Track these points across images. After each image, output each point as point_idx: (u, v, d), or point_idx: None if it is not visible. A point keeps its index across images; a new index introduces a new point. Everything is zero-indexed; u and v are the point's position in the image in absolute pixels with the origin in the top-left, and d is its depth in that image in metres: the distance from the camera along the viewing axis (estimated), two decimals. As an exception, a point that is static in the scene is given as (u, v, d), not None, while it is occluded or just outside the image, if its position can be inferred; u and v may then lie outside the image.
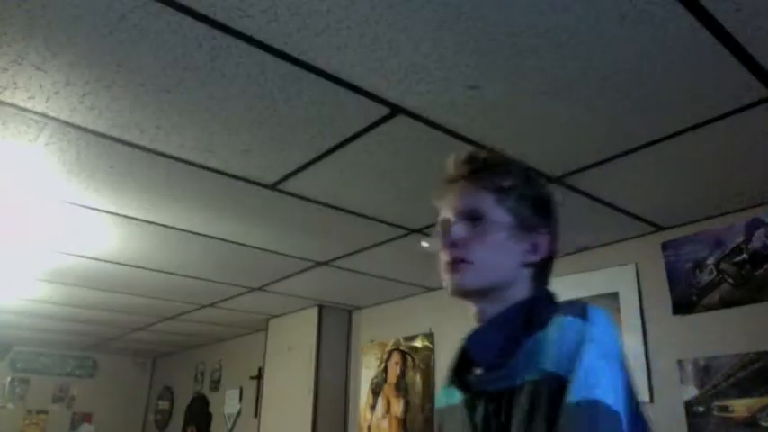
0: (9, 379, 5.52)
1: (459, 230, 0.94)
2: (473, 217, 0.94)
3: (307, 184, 2.03)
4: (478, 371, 0.94)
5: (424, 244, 1.01)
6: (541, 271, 0.97)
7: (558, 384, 0.77)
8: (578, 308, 0.84)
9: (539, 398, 0.79)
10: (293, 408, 3.77)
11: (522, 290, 0.94)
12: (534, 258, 0.95)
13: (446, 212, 0.99)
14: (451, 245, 0.94)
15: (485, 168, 0.98)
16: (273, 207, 2.24)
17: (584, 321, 0.81)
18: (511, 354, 0.86)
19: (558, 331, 0.82)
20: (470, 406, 0.94)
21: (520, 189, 0.96)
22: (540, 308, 0.91)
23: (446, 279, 0.95)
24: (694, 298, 2.21)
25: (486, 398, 0.89)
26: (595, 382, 0.75)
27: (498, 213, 0.94)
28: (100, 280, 3.27)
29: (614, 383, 0.76)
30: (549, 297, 0.96)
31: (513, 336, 0.88)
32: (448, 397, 1.06)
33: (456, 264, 0.93)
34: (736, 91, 1.46)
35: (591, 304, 0.85)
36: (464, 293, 0.95)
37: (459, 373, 0.99)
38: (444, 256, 0.95)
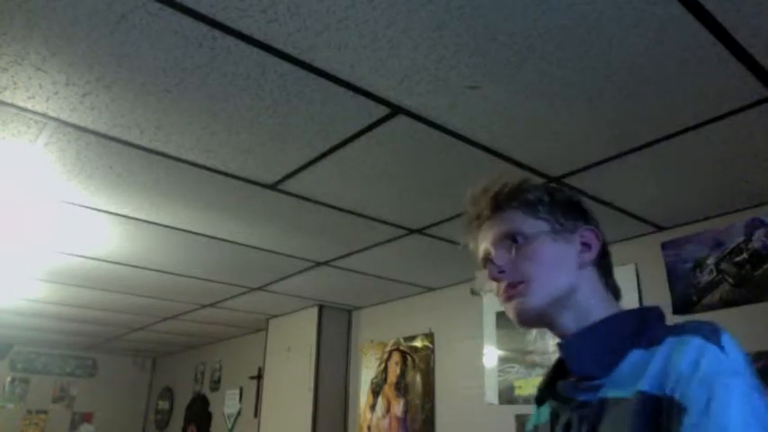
0: (9, 379, 5.52)
1: (502, 256, 0.92)
2: (510, 239, 0.92)
3: (307, 184, 2.03)
4: (572, 379, 0.88)
5: (478, 288, 1.01)
6: (603, 268, 0.94)
7: (673, 409, 0.70)
8: (709, 330, 0.75)
9: (639, 418, 0.73)
10: (293, 408, 3.77)
11: (591, 292, 0.90)
12: (590, 256, 0.92)
13: (483, 248, 0.97)
14: (500, 273, 0.91)
15: (504, 195, 0.96)
16: (273, 207, 2.24)
17: (720, 350, 0.72)
18: (611, 365, 0.81)
19: (681, 352, 0.74)
20: (555, 415, 0.90)
21: (546, 198, 0.94)
22: (653, 322, 0.85)
23: (509, 310, 0.91)
24: (694, 298, 2.21)
25: (573, 407, 0.84)
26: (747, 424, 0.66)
27: (532, 224, 0.92)
28: (100, 280, 3.27)
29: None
30: (660, 312, 0.88)
31: (616, 346, 0.82)
32: (537, 417, 1.00)
33: (511, 289, 0.90)
34: (736, 91, 1.46)
35: (722, 328, 0.76)
36: (531, 317, 0.89)
37: (552, 385, 0.92)
38: (498, 289, 0.92)
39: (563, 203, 0.95)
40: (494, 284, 0.94)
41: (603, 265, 0.94)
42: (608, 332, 0.85)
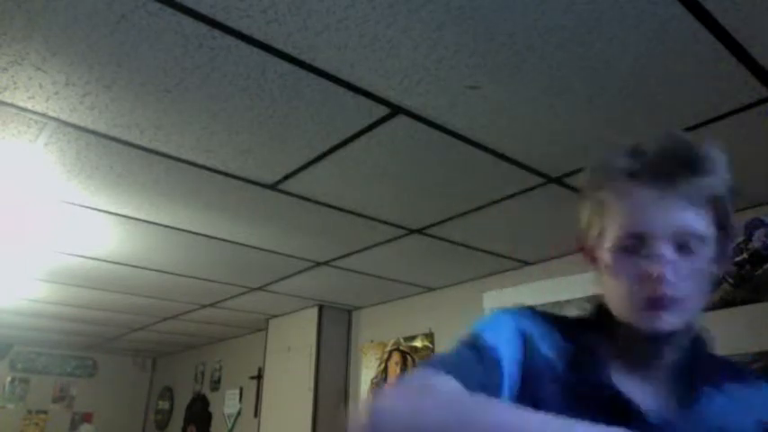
0: (9, 379, 5.52)
1: (681, 267, 0.72)
2: (687, 243, 0.73)
3: (307, 184, 2.03)
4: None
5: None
6: None
7: None
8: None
9: None
10: (293, 408, 3.77)
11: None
12: (723, 270, 0.85)
13: (644, 227, 0.74)
14: (665, 279, 0.72)
15: (693, 164, 0.74)
16: (273, 207, 2.24)
17: None
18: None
19: None
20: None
21: (730, 190, 0.76)
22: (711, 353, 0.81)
23: (640, 315, 0.74)
24: (694, 298, 2.21)
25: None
26: None
27: (710, 233, 0.74)
28: (100, 280, 3.27)
29: None
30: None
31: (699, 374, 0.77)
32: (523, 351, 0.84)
33: (666, 300, 0.72)
34: (736, 91, 1.46)
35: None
36: (664, 337, 0.76)
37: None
38: (645, 288, 0.73)
39: (733, 198, 0.77)
40: (625, 270, 0.75)
41: None
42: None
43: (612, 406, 0.73)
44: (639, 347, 0.78)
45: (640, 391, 0.76)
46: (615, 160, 0.78)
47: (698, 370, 0.78)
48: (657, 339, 0.76)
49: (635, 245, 0.74)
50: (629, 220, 0.75)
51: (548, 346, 0.80)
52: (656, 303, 0.73)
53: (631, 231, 0.75)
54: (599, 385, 0.76)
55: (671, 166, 0.74)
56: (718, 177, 0.74)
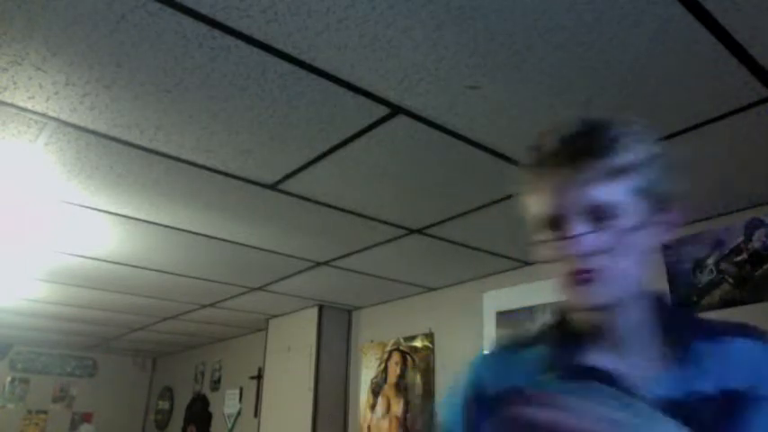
0: (9, 379, 5.52)
1: (590, 237, 0.75)
2: (606, 215, 0.75)
3: (307, 184, 2.03)
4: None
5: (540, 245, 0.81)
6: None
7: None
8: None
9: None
10: (293, 408, 3.77)
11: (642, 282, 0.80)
12: (668, 237, 0.80)
13: (557, 205, 0.78)
14: (581, 252, 0.75)
15: (594, 143, 0.77)
16: (273, 207, 2.24)
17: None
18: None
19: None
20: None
21: (649, 159, 0.78)
22: (687, 313, 0.84)
23: (570, 293, 0.78)
24: (694, 298, 2.21)
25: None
26: None
27: (632, 203, 0.76)
28: (100, 280, 3.27)
29: None
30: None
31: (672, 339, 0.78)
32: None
33: (587, 274, 0.75)
34: (736, 91, 1.46)
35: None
36: (599, 308, 0.78)
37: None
38: (567, 266, 0.77)
39: (665, 167, 0.80)
40: (553, 250, 0.79)
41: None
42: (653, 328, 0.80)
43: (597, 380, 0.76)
44: (593, 326, 0.81)
45: (621, 365, 0.78)
46: (530, 152, 0.83)
47: (672, 331, 0.79)
48: (600, 313, 0.79)
49: (555, 227, 0.78)
50: (541, 207, 0.80)
51: (501, 382, 0.84)
52: (578, 278, 0.76)
53: (547, 215, 0.79)
54: (576, 369, 0.79)
55: (570, 151, 0.77)
56: (623, 153, 0.76)
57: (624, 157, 0.76)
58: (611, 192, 0.76)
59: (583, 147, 0.77)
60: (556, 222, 0.78)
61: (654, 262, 0.81)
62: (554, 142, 0.79)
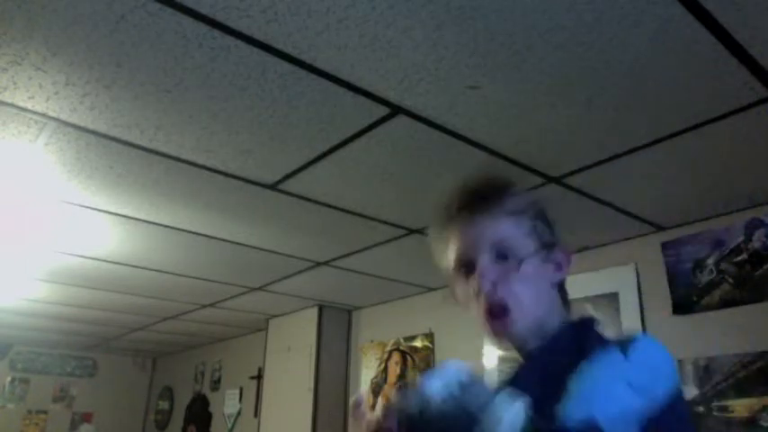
0: (9, 379, 5.52)
1: (493, 272, 0.86)
2: (502, 252, 0.88)
3: (307, 184, 2.03)
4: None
5: (452, 299, 0.96)
6: (562, 288, 0.93)
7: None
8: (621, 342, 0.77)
9: None
10: (293, 408, 3.77)
11: (557, 315, 0.90)
12: (560, 277, 0.91)
13: (464, 251, 0.90)
14: (487, 289, 0.86)
15: (494, 195, 0.91)
16: (273, 207, 2.24)
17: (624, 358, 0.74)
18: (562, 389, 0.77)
19: (597, 369, 0.75)
20: None
21: (531, 207, 0.91)
22: (589, 334, 0.86)
23: (489, 327, 0.87)
24: (694, 298, 2.21)
25: None
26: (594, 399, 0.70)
27: (523, 242, 0.88)
28: (100, 280, 3.27)
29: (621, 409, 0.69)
30: (594, 323, 0.89)
31: (562, 369, 0.79)
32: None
33: (496, 309, 0.86)
34: (736, 91, 1.46)
35: (640, 336, 0.79)
36: (511, 341, 0.88)
37: None
38: (480, 304, 0.87)
39: (544, 214, 0.93)
40: (467, 293, 0.90)
41: (563, 287, 0.94)
42: (554, 354, 0.85)
43: None
44: (520, 359, 0.91)
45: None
46: (437, 214, 0.97)
47: (565, 362, 0.80)
48: (514, 344, 0.88)
49: (467, 270, 0.90)
50: (455, 252, 0.92)
51: None
52: (488, 312, 0.86)
53: (459, 260, 0.92)
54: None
55: (471, 203, 0.91)
56: (513, 200, 0.91)
57: (512, 204, 0.90)
58: (505, 229, 0.89)
59: (478, 199, 0.91)
60: (467, 266, 0.90)
61: (552, 297, 0.91)
62: (456, 202, 0.94)
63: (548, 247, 0.90)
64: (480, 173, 0.96)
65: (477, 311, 0.89)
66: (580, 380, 0.75)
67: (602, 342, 0.82)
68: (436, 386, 0.67)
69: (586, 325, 0.89)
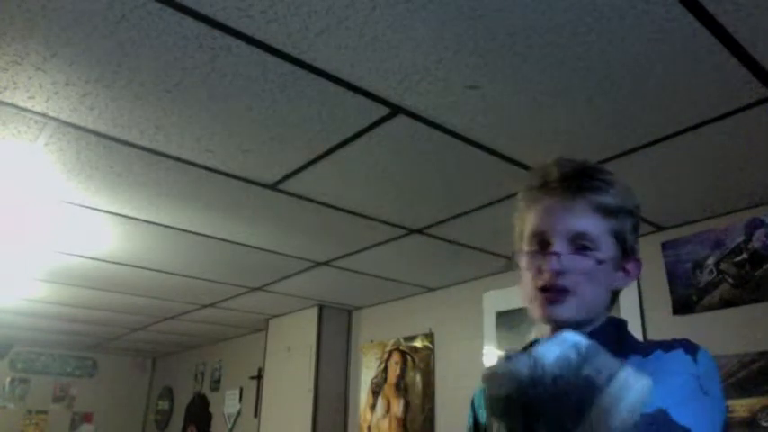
0: (9, 379, 5.52)
1: (569, 259, 0.86)
2: (585, 245, 0.87)
3: (307, 184, 2.03)
4: None
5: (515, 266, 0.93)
6: (617, 292, 0.93)
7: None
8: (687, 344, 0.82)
9: None
10: (293, 408, 3.77)
11: (602, 314, 0.90)
12: (624, 285, 0.91)
13: (545, 228, 0.89)
14: (558, 271, 0.86)
15: (591, 181, 0.89)
16: (273, 207, 2.24)
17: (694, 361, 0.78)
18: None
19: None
20: None
21: (625, 208, 0.90)
22: (627, 333, 0.90)
23: (538, 306, 0.87)
24: (694, 298, 2.21)
25: None
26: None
27: (607, 242, 0.88)
28: (100, 280, 3.27)
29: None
30: (626, 324, 0.93)
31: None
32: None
33: (558, 292, 0.86)
34: (736, 91, 1.46)
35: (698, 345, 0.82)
36: (561, 324, 0.87)
37: None
38: (539, 281, 0.87)
39: (635, 220, 0.92)
40: (530, 264, 0.89)
41: (617, 293, 0.95)
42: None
43: None
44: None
45: None
46: (532, 177, 0.94)
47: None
48: (561, 329, 0.86)
49: (540, 244, 0.89)
50: (535, 222, 0.91)
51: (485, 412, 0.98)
52: (548, 292, 0.86)
53: (535, 231, 0.90)
54: None
55: (570, 183, 0.89)
56: (612, 196, 0.89)
57: (610, 200, 0.89)
58: (594, 225, 0.87)
59: (579, 182, 0.89)
60: (542, 239, 0.89)
61: (606, 300, 0.91)
62: (555, 173, 0.91)
63: (627, 253, 0.90)
64: (588, 162, 0.94)
65: (530, 286, 0.88)
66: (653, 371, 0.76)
67: (637, 342, 0.87)
68: (552, 352, 0.64)
69: (624, 324, 0.92)
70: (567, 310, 0.86)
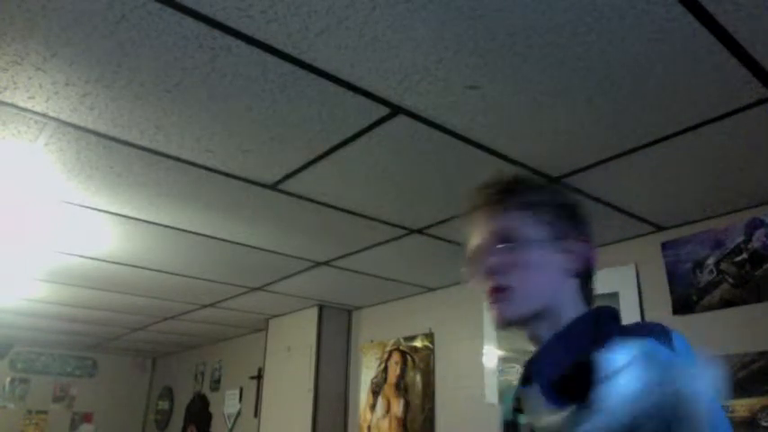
0: (9, 379, 5.52)
1: (494, 256, 0.90)
2: (506, 239, 0.90)
3: (307, 184, 2.03)
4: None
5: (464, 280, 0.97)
6: (585, 283, 0.93)
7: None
8: (658, 331, 0.78)
9: None
10: (293, 408, 3.77)
11: (572, 306, 0.90)
12: (574, 266, 0.91)
13: (476, 239, 0.95)
14: (489, 272, 0.90)
15: (509, 188, 0.96)
16: (273, 207, 2.24)
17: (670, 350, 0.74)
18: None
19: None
20: None
21: (547, 201, 0.94)
22: (607, 324, 0.86)
23: (491, 311, 0.91)
24: (694, 298, 2.21)
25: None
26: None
27: (531, 230, 0.91)
28: (100, 280, 3.27)
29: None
30: (614, 314, 0.90)
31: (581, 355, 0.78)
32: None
33: (498, 293, 0.89)
34: (736, 91, 1.46)
35: (671, 329, 0.79)
36: (510, 324, 0.90)
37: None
38: (483, 286, 0.91)
39: (563, 207, 0.95)
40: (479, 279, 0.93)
41: (587, 282, 0.94)
42: (570, 340, 0.85)
43: None
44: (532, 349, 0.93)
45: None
46: (467, 203, 1.01)
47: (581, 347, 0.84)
48: (526, 333, 0.91)
49: (477, 257, 0.94)
50: (470, 239, 0.97)
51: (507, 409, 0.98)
52: (490, 295, 0.90)
53: (470, 247, 0.96)
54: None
55: (491, 195, 0.96)
56: (530, 193, 0.95)
57: (528, 195, 0.94)
58: (512, 218, 0.92)
59: (498, 192, 0.96)
60: (476, 252, 0.95)
61: (565, 288, 0.92)
62: (482, 193, 0.98)
63: (560, 236, 0.91)
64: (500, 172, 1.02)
65: (486, 296, 0.92)
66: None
67: (623, 332, 0.80)
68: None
69: (604, 314, 0.89)
70: (511, 306, 0.88)
